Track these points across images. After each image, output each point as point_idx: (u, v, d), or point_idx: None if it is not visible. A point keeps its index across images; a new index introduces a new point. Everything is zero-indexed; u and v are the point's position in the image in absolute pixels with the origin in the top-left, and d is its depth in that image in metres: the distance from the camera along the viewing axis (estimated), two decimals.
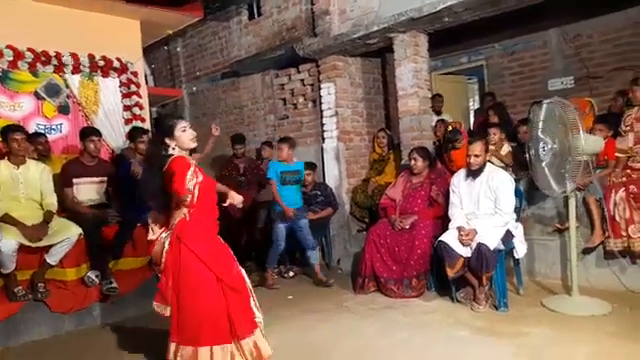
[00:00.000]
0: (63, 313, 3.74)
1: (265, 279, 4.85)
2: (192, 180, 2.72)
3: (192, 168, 2.73)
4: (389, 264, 4.21)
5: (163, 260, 2.76)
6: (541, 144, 3.68)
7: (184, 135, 2.78)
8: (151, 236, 2.87)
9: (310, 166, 5.41)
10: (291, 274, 5.19)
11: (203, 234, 2.79)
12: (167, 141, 2.78)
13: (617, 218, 3.83)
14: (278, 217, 4.80)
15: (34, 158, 4.04)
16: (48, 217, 3.69)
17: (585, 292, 3.73)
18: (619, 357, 2.78)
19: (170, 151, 2.78)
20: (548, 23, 6.18)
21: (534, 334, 3.17)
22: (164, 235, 2.80)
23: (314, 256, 4.87)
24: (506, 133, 5.01)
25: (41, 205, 3.83)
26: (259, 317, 2.88)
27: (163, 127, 2.84)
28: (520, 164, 4.66)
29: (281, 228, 4.80)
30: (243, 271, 2.93)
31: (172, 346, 2.74)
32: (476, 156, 3.80)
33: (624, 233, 3.80)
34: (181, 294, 2.71)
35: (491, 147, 4.90)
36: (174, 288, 2.72)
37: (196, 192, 2.75)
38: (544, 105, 3.67)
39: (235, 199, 3.08)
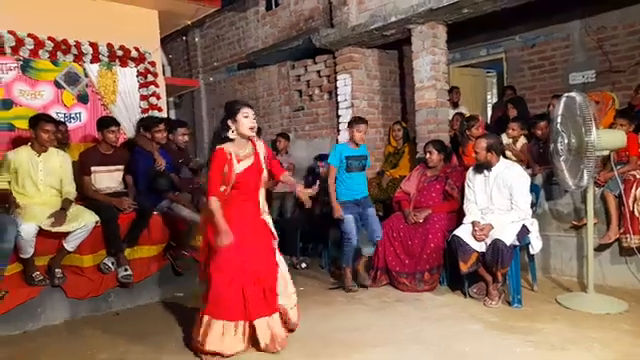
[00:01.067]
0: (79, 299, 3.81)
1: (343, 280, 4.30)
2: (228, 171, 2.86)
3: (227, 161, 2.87)
4: (402, 258, 4.20)
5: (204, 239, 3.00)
6: (559, 139, 3.63)
7: (244, 121, 2.91)
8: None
9: (326, 158, 5.40)
10: (304, 265, 5.21)
11: (236, 218, 2.88)
12: (229, 122, 2.93)
13: (637, 214, 3.75)
14: (343, 207, 4.22)
15: (54, 146, 4.11)
16: (66, 205, 3.75)
17: (601, 290, 3.68)
18: (635, 356, 2.73)
19: (229, 134, 2.92)
20: (571, 15, 6.05)
21: (548, 331, 3.13)
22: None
23: (370, 250, 4.32)
24: (525, 128, 4.93)
25: (60, 193, 3.89)
26: (283, 301, 3.03)
27: (230, 108, 2.97)
28: (536, 159, 4.60)
29: (350, 219, 4.19)
30: (279, 257, 3.10)
31: (205, 318, 2.90)
32: (477, 152, 3.81)
33: None
34: (209, 270, 2.90)
35: (508, 141, 4.85)
36: (207, 265, 2.93)
37: (232, 180, 2.89)
38: (562, 99, 3.62)
39: (302, 196, 3.12)
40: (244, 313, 2.87)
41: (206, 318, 2.86)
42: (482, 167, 3.85)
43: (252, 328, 2.91)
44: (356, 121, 4.35)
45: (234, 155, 2.90)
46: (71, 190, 3.91)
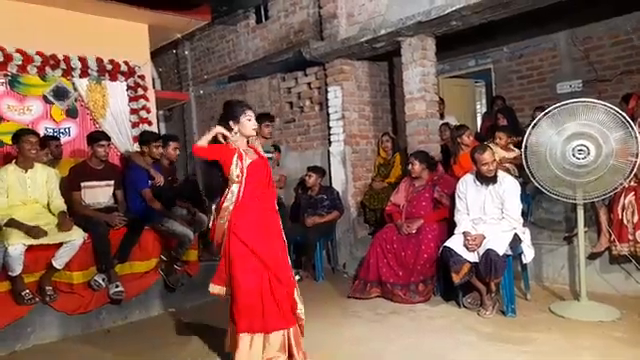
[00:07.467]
0: (68, 313, 3.73)
1: None
2: (238, 165, 2.85)
3: (236, 154, 2.86)
4: (395, 269, 4.19)
5: (223, 244, 2.89)
6: (572, 149, 3.49)
7: (248, 123, 2.93)
8: (210, 223, 3.01)
9: (317, 170, 5.41)
10: (297, 278, 5.15)
11: (252, 220, 2.85)
12: (231, 124, 2.93)
13: (625, 222, 3.78)
14: None
15: (42, 162, 4.07)
16: (63, 218, 3.74)
17: (593, 297, 3.70)
18: None
19: (231, 135, 2.92)
20: (557, 26, 6.16)
21: (543, 340, 3.14)
22: (222, 221, 2.88)
23: None
24: (515, 136, 4.97)
25: (48, 208, 3.85)
26: (301, 309, 2.96)
27: (232, 110, 2.96)
28: None
29: None
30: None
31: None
32: (489, 164, 3.74)
33: (631, 237, 3.75)
34: (233, 281, 2.84)
35: (501, 151, 4.86)
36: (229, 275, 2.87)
37: (244, 177, 2.85)
38: (569, 108, 3.49)
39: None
40: (264, 325, 2.80)
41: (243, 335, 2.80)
42: (480, 180, 3.81)
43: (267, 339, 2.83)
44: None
45: (242, 150, 2.90)
46: (61, 204, 3.89)
